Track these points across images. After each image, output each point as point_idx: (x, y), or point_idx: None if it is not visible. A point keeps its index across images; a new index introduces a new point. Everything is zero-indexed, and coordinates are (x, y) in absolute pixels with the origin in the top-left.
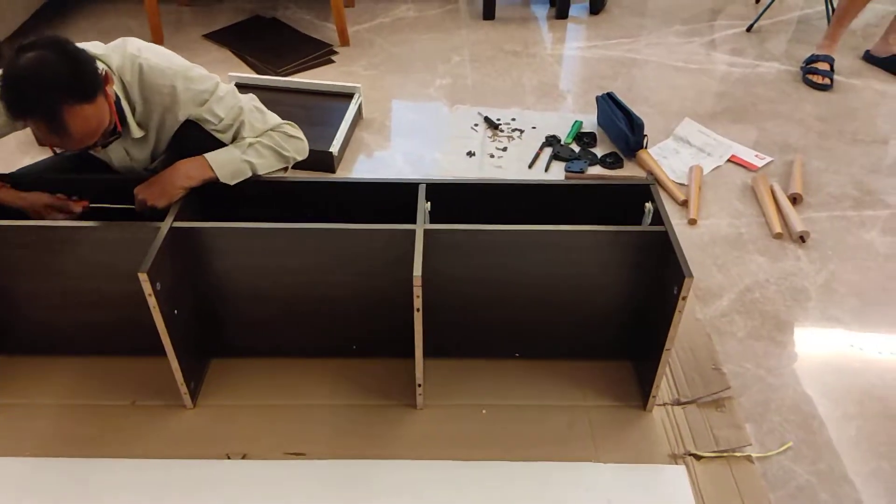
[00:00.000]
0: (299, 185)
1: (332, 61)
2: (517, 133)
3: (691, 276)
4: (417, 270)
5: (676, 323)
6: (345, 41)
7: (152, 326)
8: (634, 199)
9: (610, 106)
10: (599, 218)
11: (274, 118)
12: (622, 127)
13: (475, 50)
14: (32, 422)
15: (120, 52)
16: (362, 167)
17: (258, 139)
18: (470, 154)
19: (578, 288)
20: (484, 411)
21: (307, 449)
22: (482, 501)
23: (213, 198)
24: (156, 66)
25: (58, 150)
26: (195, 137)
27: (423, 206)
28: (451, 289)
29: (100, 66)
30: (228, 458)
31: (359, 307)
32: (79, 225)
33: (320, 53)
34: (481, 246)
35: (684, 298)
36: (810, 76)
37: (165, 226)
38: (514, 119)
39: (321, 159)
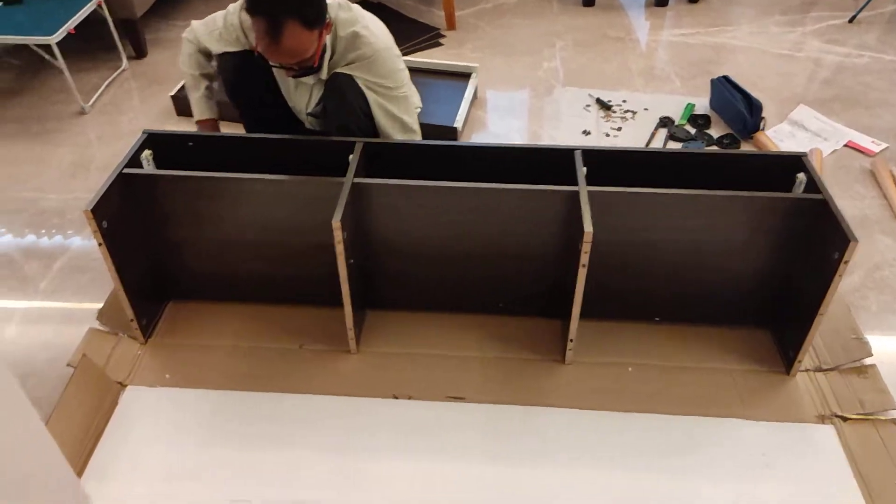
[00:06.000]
0: (453, 148)
1: (441, 44)
2: (630, 114)
3: (856, 240)
4: (588, 227)
5: (835, 287)
6: (452, 25)
7: (319, 277)
8: (779, 170)
9: (727, 88)
10: (743, 188)
11: (413, 119)
12: (740, 108)
13: (578, 35)
14: (210, 360)
15: (346, 7)
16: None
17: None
18: (585, 133)
19: (724, 254)
20: (630, 369)
21: (466, 394)
22: (636, 451)
23: (372, 156)
24: (368, 35)
25: (260, 58)
26: (345, 90)
27: (581, 170)
28: (600, 251)
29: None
30: (396, 398)
31: (509, 266)
32: (261, 178)
33: (429, 36)
34: (638, 208)
35: (846, 262)
36: None
37: (348, 180)
38: (624, 101)
39: (445, 134)
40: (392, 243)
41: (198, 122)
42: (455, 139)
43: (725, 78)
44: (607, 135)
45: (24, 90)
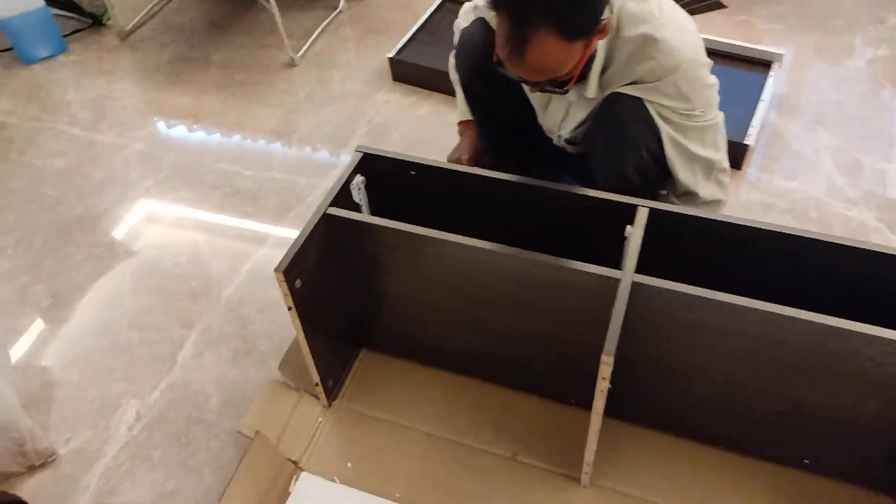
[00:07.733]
0: (776, 236)
1: (723, 5)
2: None
3: None
4: None
5: None
6: None
7: (553, 367)
8: None
9: None
10: None
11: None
12: None
13: None
14: (401, 451)
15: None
16: (776, 166)
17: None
18: None
19: None
20: None
21: None
22: None
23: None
24: (668, 40)
25: (499, 67)
26: (628, 121)
27: None
28: None
29: (607, 12)
30: None
31: (834, 420)
32: (499, 250)
33: None
34: None
35: None
36: None
37: (626, 277)
38: None
39: (730, 152)
40: (671, 363)
41: (460, 123)
42: (740, 160)
43: None
44: None
45: (233, 28)
